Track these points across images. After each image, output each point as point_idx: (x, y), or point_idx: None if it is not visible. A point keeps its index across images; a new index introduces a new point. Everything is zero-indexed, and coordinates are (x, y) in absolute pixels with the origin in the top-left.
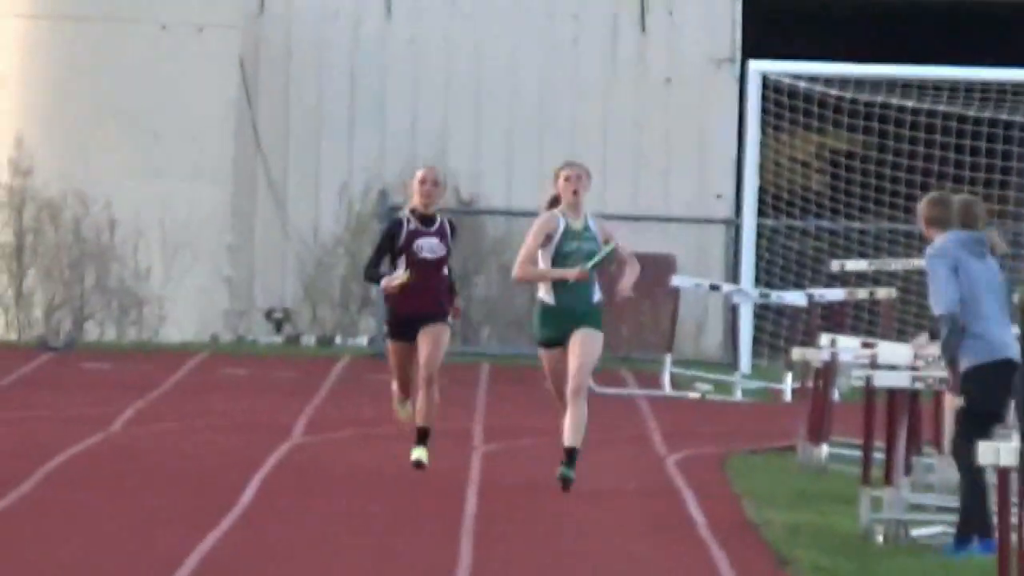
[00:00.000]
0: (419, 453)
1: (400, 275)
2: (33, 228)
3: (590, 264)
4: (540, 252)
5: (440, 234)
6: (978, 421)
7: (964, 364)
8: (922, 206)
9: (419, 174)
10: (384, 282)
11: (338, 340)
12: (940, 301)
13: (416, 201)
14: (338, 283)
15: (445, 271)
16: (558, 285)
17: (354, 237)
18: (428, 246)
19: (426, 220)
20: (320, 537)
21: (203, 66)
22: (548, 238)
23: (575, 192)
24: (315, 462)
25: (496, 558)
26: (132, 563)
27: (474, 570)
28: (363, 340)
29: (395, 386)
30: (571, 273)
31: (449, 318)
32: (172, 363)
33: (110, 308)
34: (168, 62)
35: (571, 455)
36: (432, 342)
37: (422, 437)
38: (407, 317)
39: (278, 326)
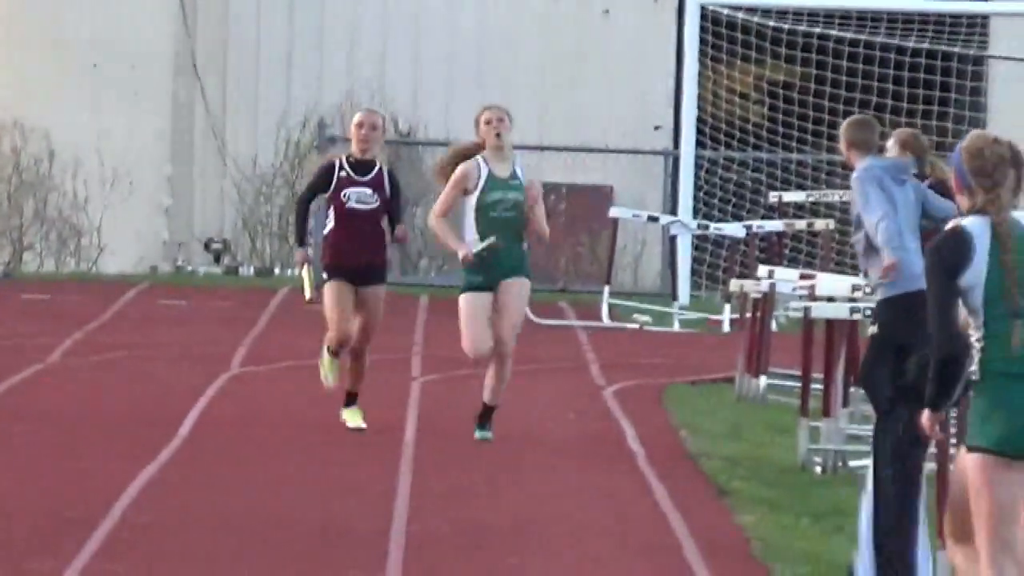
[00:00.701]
0: (352, 418)
1: (480, 244)
2: None
3: (475, 250)
4: (465, 201)
5: (374, 184)
6: (888, 351)
7: (881, 293)
8: (845, 129)
9: (356, 118)
10: (462, 253)
11: (277, 271)
12: (875, 210)
13: (353, 147)
14: (277, 213)
15: (382, 224)
16: (484, 234)
17: (293, 168)
18: (357, 195)
19: (361, 167)
20: (259, 467)
21: None
22: (466, 190)
23: (498, 135)
24: (254, 393)
25: (434, 488)
26: (70, 495)
27: (412, 500)
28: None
29: (330, 337)
30: (460, 253)
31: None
32: (111, 294)
33: (48, 239)
34: None
35: (489, 413)
36: (370, 310)
37: (351, 400)
38: (346, 266)
39: (217, 257)
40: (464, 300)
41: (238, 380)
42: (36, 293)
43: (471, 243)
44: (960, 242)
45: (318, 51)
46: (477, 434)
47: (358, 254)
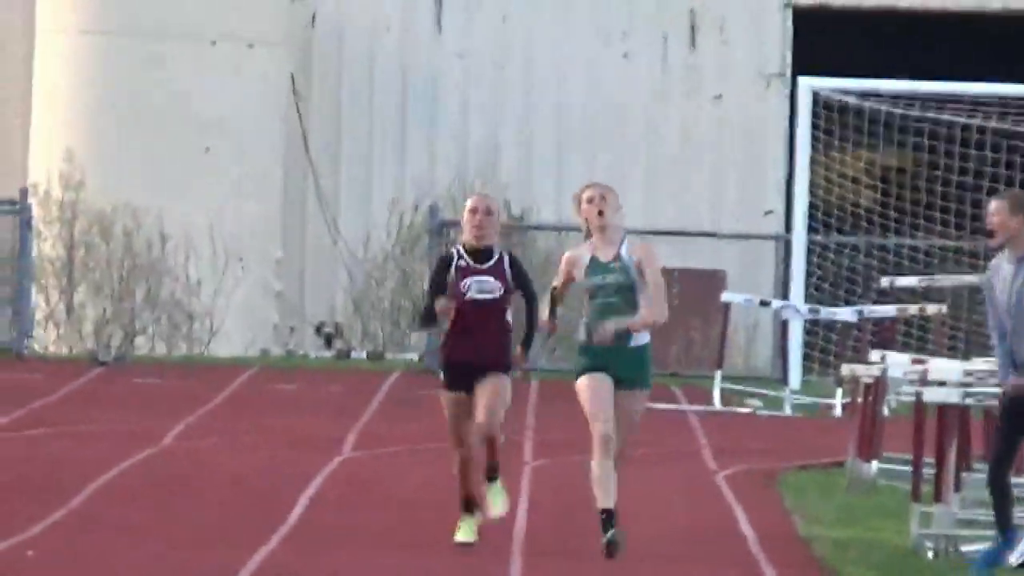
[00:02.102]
0: (496, 503)
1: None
2: (84, 242)
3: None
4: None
5: (496, 272)
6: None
7: None
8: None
9: (469, 203)
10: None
11: (388, 355)
12: None
13: (467, 235)
14: (388, 297)
15: (506, 316)
16: (588, 326)
17: (404, 252)
18: (478, 285)
19: (479, 255)
20: (370, 552)
21: (253, 81)
22: (573, 278)
23: (600, 213)
24: (365, 478)
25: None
26: (185, 575)
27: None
28: (414, 355)
29: (456, 459)
30: (543, 323)
31: (512, 370)
32: (222, 378)
33: (160, 322)
34: (218, 77)
35: (611, 518)
36: (490, 395)
37: (492, 473)
38: (462, 365)
39: (328, 341)
40: (583, 381)
41: (349, 464)
42: (148, 377)
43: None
44: None
45: (430, 133)
46: (606, 538)
47: (476, 350)
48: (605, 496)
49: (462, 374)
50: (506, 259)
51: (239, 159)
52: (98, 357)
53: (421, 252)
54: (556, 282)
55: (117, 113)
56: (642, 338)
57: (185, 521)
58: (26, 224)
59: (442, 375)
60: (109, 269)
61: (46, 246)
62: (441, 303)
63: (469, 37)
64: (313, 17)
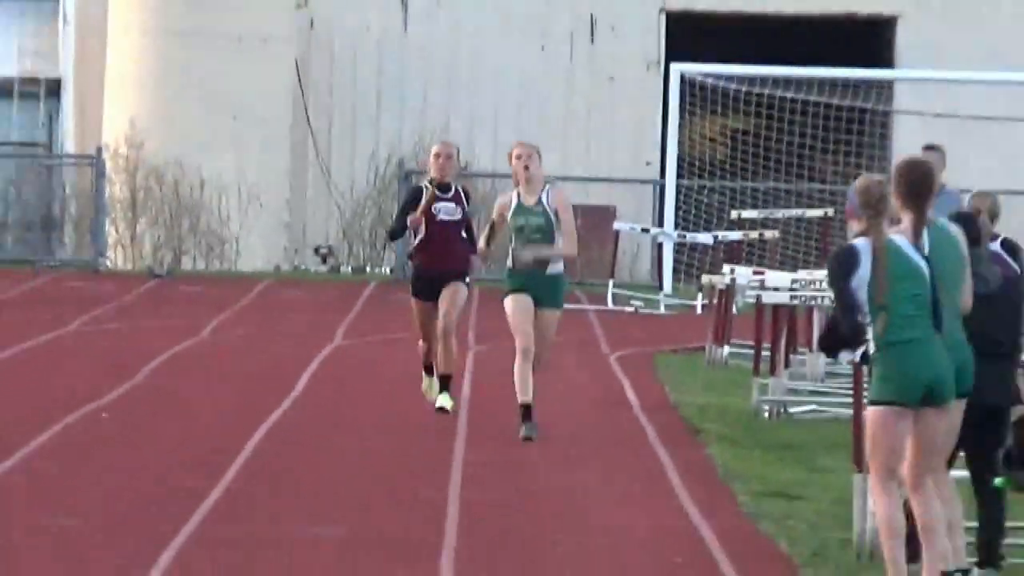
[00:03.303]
0: (443, 400)
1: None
2: (143, 187)
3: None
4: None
5: (455, 199)
6: None
7: None
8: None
9: (434, 148)
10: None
11: (368, 269)
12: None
13: (433, 172)
14: (368, 227)
15: (463, 233)
16: (515, 257)
17: (379, 193)
18: (445, 209)
19: (443, 187)
20: (355, 417)
21: (269, 67)
22: (503, 216)
23: (526, 167)
24: (351, 360)
25: (484, 427)
26: (219, 431)
27: (470, 431)
28: (387, 269)
29: (421, 343)
30: (481, 250)
31: (467, 278)
32: (246, 286)
33: (200, 246)
34: (243, 64)
35: (528, 411)
36: (450, 299)
37: (444, 383)
38: (431, 276)
39: (323, 259)
40: (509, 300)
41: (340, 350)
42: (191, 286)
43: (508, 264)
44: (851, 255)
45: (399, 105)
46: (523, 432)
47: (443, 260)
48: (523, 393)
49: (429, 282)
50: (462, 191)
51: (258, 126)
52: (154, 271)
53: (392, 193)
54: (491, 223)
55: (168, 91)
56: (557, 268)
57: (219, 392)
58: (101, 173)
59: (412, 284)
60: (162, 207)
61: (115, 190)
62: (411, 216)
63: (429, 36)
64: (312, 20)
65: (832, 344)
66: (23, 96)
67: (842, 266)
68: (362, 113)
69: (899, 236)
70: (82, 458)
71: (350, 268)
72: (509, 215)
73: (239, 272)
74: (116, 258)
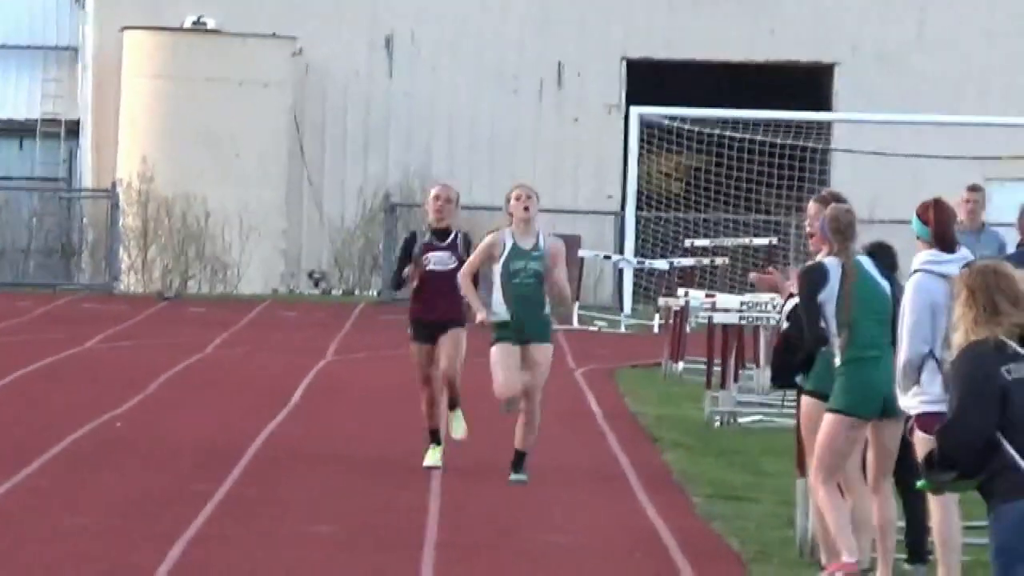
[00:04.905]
0: (456, 428)
1: (500, 315)
2: (154, 218)
3: (493, 319)
4: (493, 267)
5: (451, 247)
6: None
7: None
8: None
9: (433, 191)
10: (480, 316)
11: (357, 292)
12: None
13: (431, 216)
14: (357, 254)
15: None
16: (509, 302)
17: (367, 223)
18: (437, 259)
19: (440, 234)
20: (345, 425)
21: (267, 109)
22: (491, 257)
23: (526, 209)
24: (341, 375)
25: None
26: (222, 438)
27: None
28: (374, 292)
29: (423, 406)
30: (479, 315)
31: (466, 323)
32: (245, 308)
33: (205, 271)
34: (244, 106)
35: (520, 458)
36: (451, 345)
37: (452, 404)
38: (425, 323)
39: (316, 283)
40: (495, 349)
41: (331, 365)
42: (196, 307)
43: (496, 305)
44: (821, 271)
45: (385, 143)
46: (512, 477)
47: (437, 310)
48: (520, 438)
49: (426, 328)
50: (460, 238)
51: (257, 162)
52: (163, 294)
53: (378, 223)
54: (474, 258)
55: (176, 131)
56: (546, 310)
57: (223, 403)
58: (116, 205)
59: (410, 330)
60: (171, 236)
61: (128, 220)
62: (407, 270)
63: (411, 80)
64: (307, 67)
65: (783, 373)
66: (45, 136)
67: (812, 281)
68: (351, 151)
69: (865, 258)
70: (97, 463)
71: (341, 291)
72: (503, 258)
73: (240, 295)
74: (129, 282)
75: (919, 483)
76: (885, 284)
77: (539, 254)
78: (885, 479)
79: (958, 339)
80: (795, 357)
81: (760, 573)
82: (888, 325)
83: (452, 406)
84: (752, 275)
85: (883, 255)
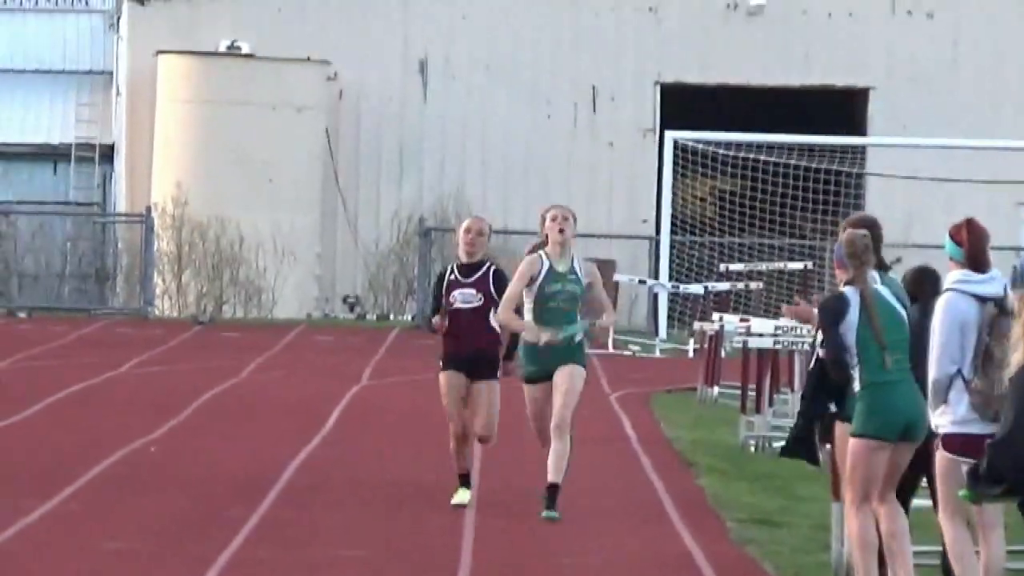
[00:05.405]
0: (461, 496)
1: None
2: (188, 242)
3: (561, 336)
4: (525, 292)
5: (478, 284)
6: None
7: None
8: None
9: (465, 224)
10: (545, 337)
11: (391, 316)
12: None
13: (460, 250)
14: (391, 278)
15: (487, 318)
16: (540, 324)
17: (402, 248)
18: (463, 296)
19: (468, 269)
20: (379, 450)
21: (301, 134)
22: (531, 279)
23: (561, 231)
24: (376, 399)
25: (497, 456)
26: (257, 463)
27: (484, 461)
28: (408, 317)
29: (452, 443)
30: (543, 338)
31: (499, 373)
32: (281, 332)
33: (239, 296)
34: (278, 131)
35: (553, 492)
36: (487, 407)
37: (464, 481)
38: (456, 358)
39: (351, 307)
40: (529, 392)
41: (366, 389)
42: (231, 332)
43: (526, 337)
44: (841, 301)
45: (419, 167)
46: (544, 514)
47: (465, 346)
48: (552, 470)
49: (455, 362)
50: (491, 273)
51: (292, 186)
52: (197, 319)
53: (413, 248)
54: (513, 287)
55: (210, 155)
56: (579, 335)
57: (258, 427)
58: (150, 230)
59: (441, 363)
60: (205, 260)
61: (163, 245)
62: (435, 320)
63: (445, 104)
64: (341, 92)
65: (815, 409)
66: (79, 160)
67: (832, 312)
68: (386, 175)
69: (881, 286)
70: (132, 488)
71: (375, 316)
72: (539, 281)
73: (275, 319)
74: (163, 307)
75: (960, 492)
76: (901, 309)
77: (575, 277)
78: (891, 491)
79: (1017, 358)
80: (828, 384)
81: None
82: (906, 351)
83: (464, 482)
84: (784, 308)
85: (928, 280)
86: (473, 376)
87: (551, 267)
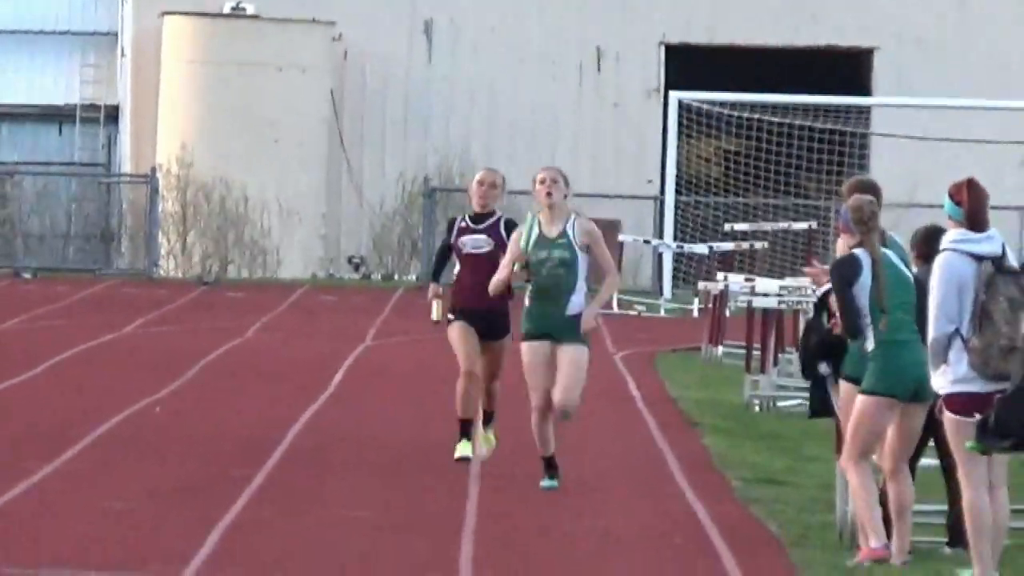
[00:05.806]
0: (465, 449)
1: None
2: (193, 203)
3: (434, 317)
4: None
5: (488, 230)
6: None
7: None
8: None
9: (478, 175)
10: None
11: (396, 276)
12: None
13: (473, 201)
14: (396, 238)
15: (497, 265)
16: (533, 293)
17: (407, 208)
18: (473, 242)
19: (479, 218)
20: (384, 410)
21: (306, 94)
22: (520, 253)
23: (549, 194)
24: (381, 358)
25: (501, 416)
26: (262, 423)
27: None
28: (413, 277)
29: (461, 372)
30: (499, 276)
31: (508, 334)
32: (285, 292)
33: (244, 256)
34: (283, 91)
35: (551, 463)
36: (493, 363)
37: (487, 419)
38: (467, 308)
39: (356, 268)
40: (524, 349)
41: (371, 349)
42: (235, 292)
43: (525, 301)
44: (855, 262)
45: (424, 128)
46: (544, 483)
47: (475, 295)
48: (543, 447)
49: (466, 312)
50: (501, 221)
51: (296, 147)
52: (202, 279)
53: (418, 208)
54: (506, 259)
55: (215, 116)
56: (577, 308)
57: (261, 387)
58: (155, 190)
59: (451, 315)
60: (210, 221)
61: (168, 205)
62: (432, 287)
63: (450, 65)
64: (346, 52)
65: (809, 360)
66: (84, 121)
67: (846, 273)
68: (390, 135)
69: (886, 249)
70: (136, 448)
71: (380, 276)
72: (528, 247)
73: (279, 280)
74: (168, 267)
75: (968, 444)
76: (908, 272)
77: (565, 242)
78: (904, 462)
79: None
80: (810, 341)
81: (800, 557)
82: (914, 313)
83: (486, 421)
84: (806, 270)
85: (938, 239)
86: (486, 336)
87: (540, 233)
